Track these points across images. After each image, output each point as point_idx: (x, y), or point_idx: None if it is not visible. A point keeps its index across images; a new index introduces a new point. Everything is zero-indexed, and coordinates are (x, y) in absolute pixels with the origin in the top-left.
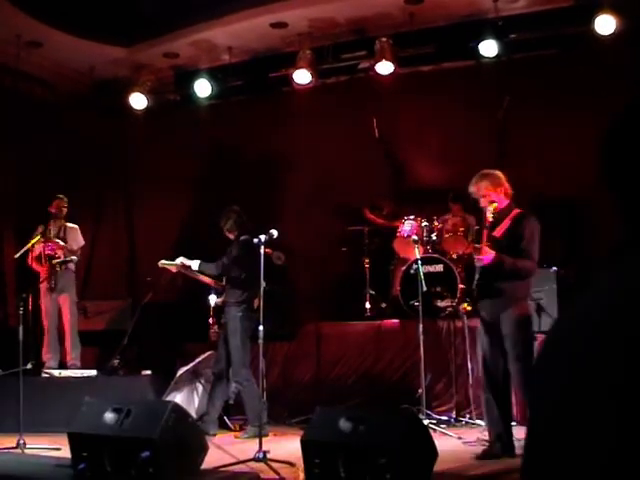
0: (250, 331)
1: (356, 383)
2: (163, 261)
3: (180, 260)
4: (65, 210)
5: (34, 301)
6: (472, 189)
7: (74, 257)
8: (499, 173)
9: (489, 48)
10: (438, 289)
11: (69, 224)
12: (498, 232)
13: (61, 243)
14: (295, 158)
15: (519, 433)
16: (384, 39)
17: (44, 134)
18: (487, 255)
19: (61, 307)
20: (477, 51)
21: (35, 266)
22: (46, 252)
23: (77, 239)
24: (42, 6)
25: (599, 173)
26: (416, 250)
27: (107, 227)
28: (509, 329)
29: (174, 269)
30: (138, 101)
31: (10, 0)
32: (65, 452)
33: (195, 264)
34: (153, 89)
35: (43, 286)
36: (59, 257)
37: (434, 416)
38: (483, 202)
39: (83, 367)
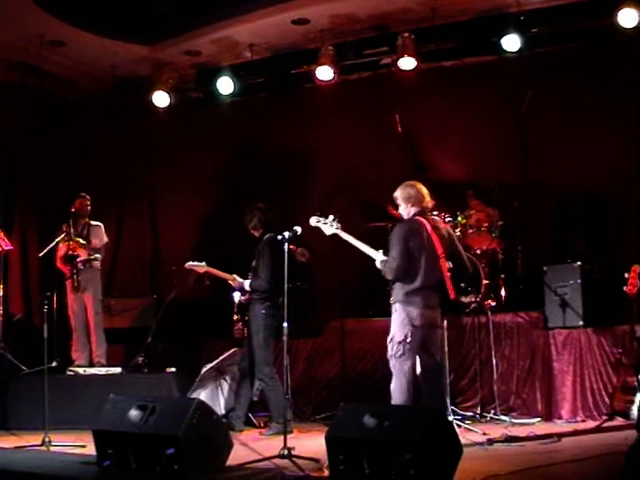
0: (273, 329)
1: (380, 379)
2: (190, 262)
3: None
4: (88, 208)
5: (58, 299)
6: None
7: (98, 255)
8: (416, 188)
9: (511, 43)
10: (462, 284)
11: (93, 222)
12: None
13: (81, 242)
14: (317, 154)
15: (542, 429)
16: (406, 34)
17: (66, 133)
18: None
19: (86, 305)
20: (499, 46)
21: (60, 266)
22: (68, 252)
23: (101, 237)
24: (64, 6)
25: None
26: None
27: (130, 225)
28: None
29: (201, 270)
30: (161, 99)
31: (33, 0)
32: (90, 449)
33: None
34: (175, 87)
35: (69, 285)
36: (79, 256)
37: (459, 412)
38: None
39: (108, 365)
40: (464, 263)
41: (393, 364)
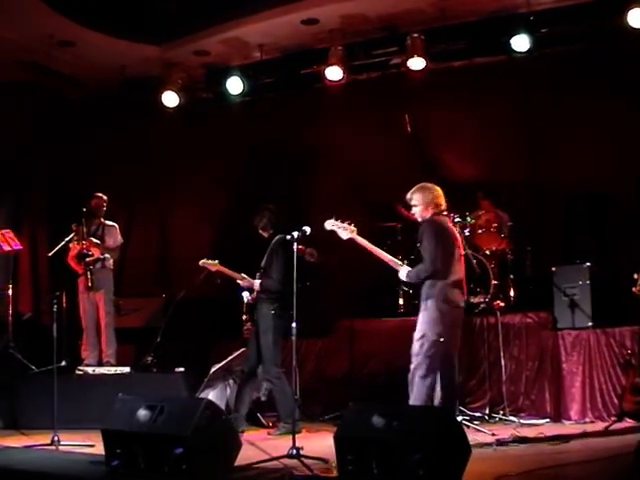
0: (282, 329)
1: (389, 379)
2: (204, 260)
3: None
4: (104, 209)
5: (68, 299)
6: (407, 197)
7: (107, 255)
8: (434, 190)
9: (521, 43)
10: (471, 285)
11: (108, 222)
12: None
13: (95, 241)
14: (326, 154)
15: (551, 429)
16: (415, 35)
17: (75, 132)
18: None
19: (97, 305)
20: (509, 46)
21: (73, 264)
22: (82, 250)
23: (115, 237)
24: (74, 5)
25: None
26: None
27: (140, 225)
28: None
29: (213, 268)
30: (170, 99)
31: (43, 0)
32: (99, 449)
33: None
34: (184, 87)
35: (81, 284)
36: (93, 255)
37: (467, 412)
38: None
39: (117, 364)
40: (472, 264)
41: (420, 362)
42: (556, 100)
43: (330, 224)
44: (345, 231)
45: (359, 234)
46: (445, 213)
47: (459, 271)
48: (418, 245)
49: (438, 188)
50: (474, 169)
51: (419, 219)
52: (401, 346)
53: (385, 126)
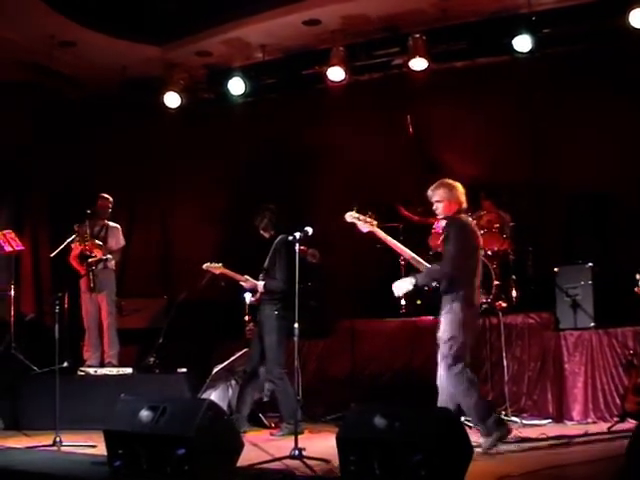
0: (286, 329)
1: (391, 380)
2: (207, 264)
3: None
4: (109, 210)
5: (70, 300)
6: (429, 193)
7: (109, 256)
8: (458, 188)
9: (523, 43)
10: None
11: (111, 223)
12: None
13: (98, 242)
14: (328, 155)
15: (553, 430)
16: (417, 35)
17: (75, 133)
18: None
19: (100, 306)
20: (511, 46)
21: (75, 265)
22: (84, 251)
23: (118, 239)
24: (75, 5)
25: None
26: None
27: (141, 226)
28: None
29: (217, 271)
30: (172, 100)
31: (44, 0)
32: (101, 449)
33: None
34: (186, 88)
35: (83, 285)
36: (95, 256)
37: None
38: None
39: (119, 365)
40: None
41: (450, 363)
42: (558, 100)
43: (351, 216)
44: (366, 224)
45: (362, 233)
46: None
47: (480, 273)
48: (442, 240)
49: (460, 185)
50: (476, 169)
51: (441, 216)
52: (403, 347)
53: (387, 127)
